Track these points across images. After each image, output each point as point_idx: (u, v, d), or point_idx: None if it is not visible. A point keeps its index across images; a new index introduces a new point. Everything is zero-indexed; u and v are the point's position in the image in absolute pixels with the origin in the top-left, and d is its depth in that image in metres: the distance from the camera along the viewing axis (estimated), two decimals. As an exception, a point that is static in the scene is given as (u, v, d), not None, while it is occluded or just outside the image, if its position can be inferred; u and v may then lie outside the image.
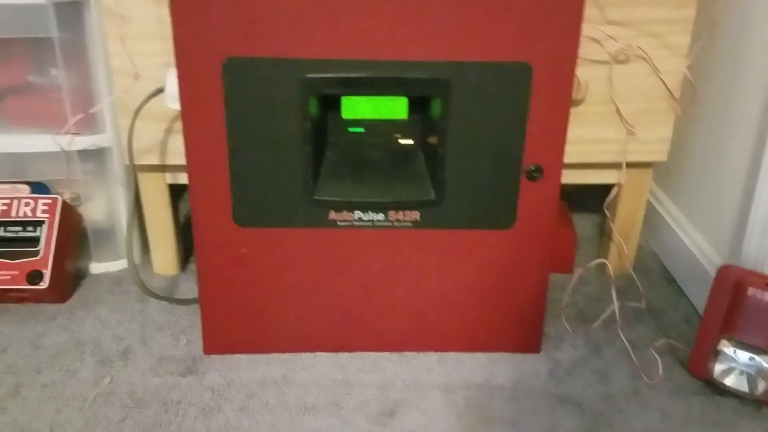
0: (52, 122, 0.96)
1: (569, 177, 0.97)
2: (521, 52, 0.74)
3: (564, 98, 0.76)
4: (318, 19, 0.72)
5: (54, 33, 0.91)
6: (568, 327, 0.94)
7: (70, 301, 0.99)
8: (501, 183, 0.80)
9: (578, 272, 1.03)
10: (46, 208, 0.98)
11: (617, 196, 1.01)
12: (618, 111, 0.92)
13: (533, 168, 0.79)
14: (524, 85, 0.75)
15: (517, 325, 0.88)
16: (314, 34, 0.73)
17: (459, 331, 0.88)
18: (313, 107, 0.77)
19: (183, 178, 0.98)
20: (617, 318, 0.93)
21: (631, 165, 0.96)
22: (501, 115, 0.76)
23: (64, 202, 0.99)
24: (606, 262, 1.03)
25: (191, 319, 0.94)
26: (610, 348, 0.91)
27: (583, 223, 1.22)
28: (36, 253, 0.96)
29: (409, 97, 0.79)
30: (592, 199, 1.25)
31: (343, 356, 0.88)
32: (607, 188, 1.00)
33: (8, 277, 0.95)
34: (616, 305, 0.93)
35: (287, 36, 0.73)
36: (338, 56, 0.74)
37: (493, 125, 0.77)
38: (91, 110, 0.95)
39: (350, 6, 0.72)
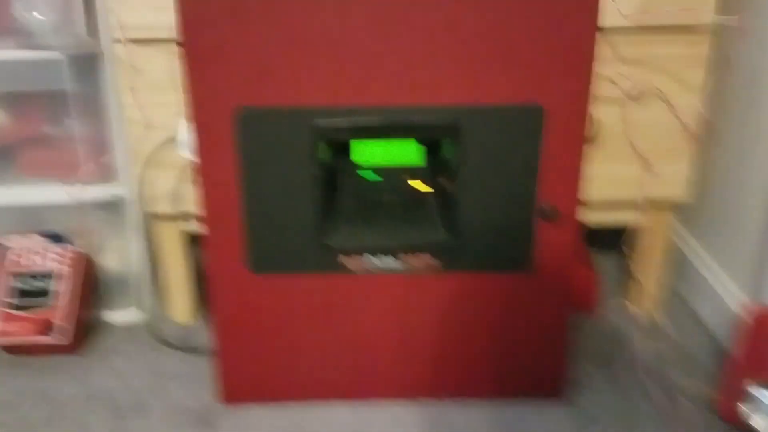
0: (67, 173, 0.97)
1: (589, 218, 0.96)
2: (533, 94, 0.73)
3: (578, 139, 0.75)
4: (327, 68, 0.72)
5: (69, 86, 0.92)
6: (591, 370, 0.92)
7: (83, 352, 0.98)
8: (516, 225, 0.79)
9: (600, 314, 1.01)
10: (60, 258, 0.98)
11: (639, 235, 0.99)
12: (634, 149, 0.91)
13: (549, 210, 0.78)
14: (537, 128, 0.74)
15: (539, 371, 0.86)
16: (324, 82, 0.73)
17: (478, 377, 0.86)
18: (323, 153, 0.76)
19: (197, 226, 0.98)
20: (642, 360, 0.91)
21: (651, 204, 0.95)
22: (514, 158, 0.76)
23: (78, 253, 0.99)
24: (628, 302, 1.00)
25: (206, 368, 0.93)
26: (635, 392, 0.88)
27: (604, 262, 1.20)
28: (50, 305, 0.96)
29: (419, 141, 0.79)
30: (613, 236, 1.23)
31: (359, 404, 0.86)
32: (626, 226, 0.99)
33: (22, 329, 0.95)
34: (640, 347, 0.91)
35: (297, 85, 0.73)
36: (348, 103, 0.73)
37: (507, 168, 0.76)
38: (105, 160, 0.96)
39: (359, 54, 0.72)
